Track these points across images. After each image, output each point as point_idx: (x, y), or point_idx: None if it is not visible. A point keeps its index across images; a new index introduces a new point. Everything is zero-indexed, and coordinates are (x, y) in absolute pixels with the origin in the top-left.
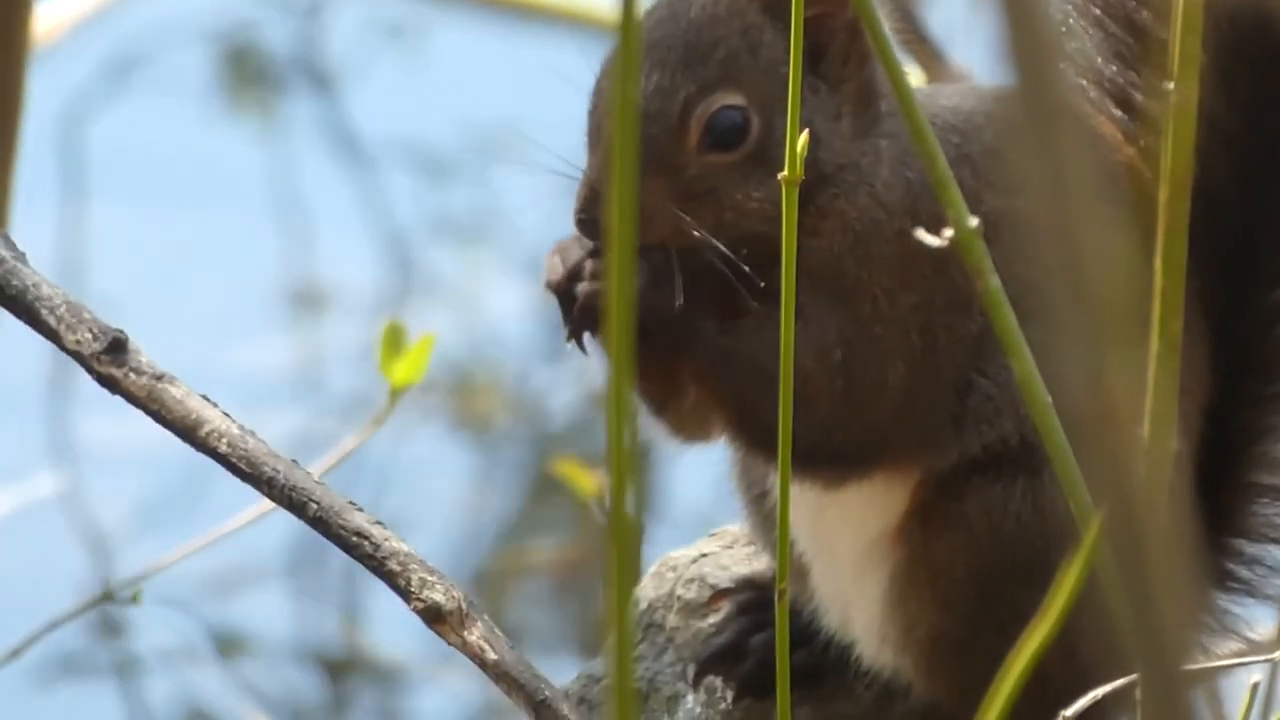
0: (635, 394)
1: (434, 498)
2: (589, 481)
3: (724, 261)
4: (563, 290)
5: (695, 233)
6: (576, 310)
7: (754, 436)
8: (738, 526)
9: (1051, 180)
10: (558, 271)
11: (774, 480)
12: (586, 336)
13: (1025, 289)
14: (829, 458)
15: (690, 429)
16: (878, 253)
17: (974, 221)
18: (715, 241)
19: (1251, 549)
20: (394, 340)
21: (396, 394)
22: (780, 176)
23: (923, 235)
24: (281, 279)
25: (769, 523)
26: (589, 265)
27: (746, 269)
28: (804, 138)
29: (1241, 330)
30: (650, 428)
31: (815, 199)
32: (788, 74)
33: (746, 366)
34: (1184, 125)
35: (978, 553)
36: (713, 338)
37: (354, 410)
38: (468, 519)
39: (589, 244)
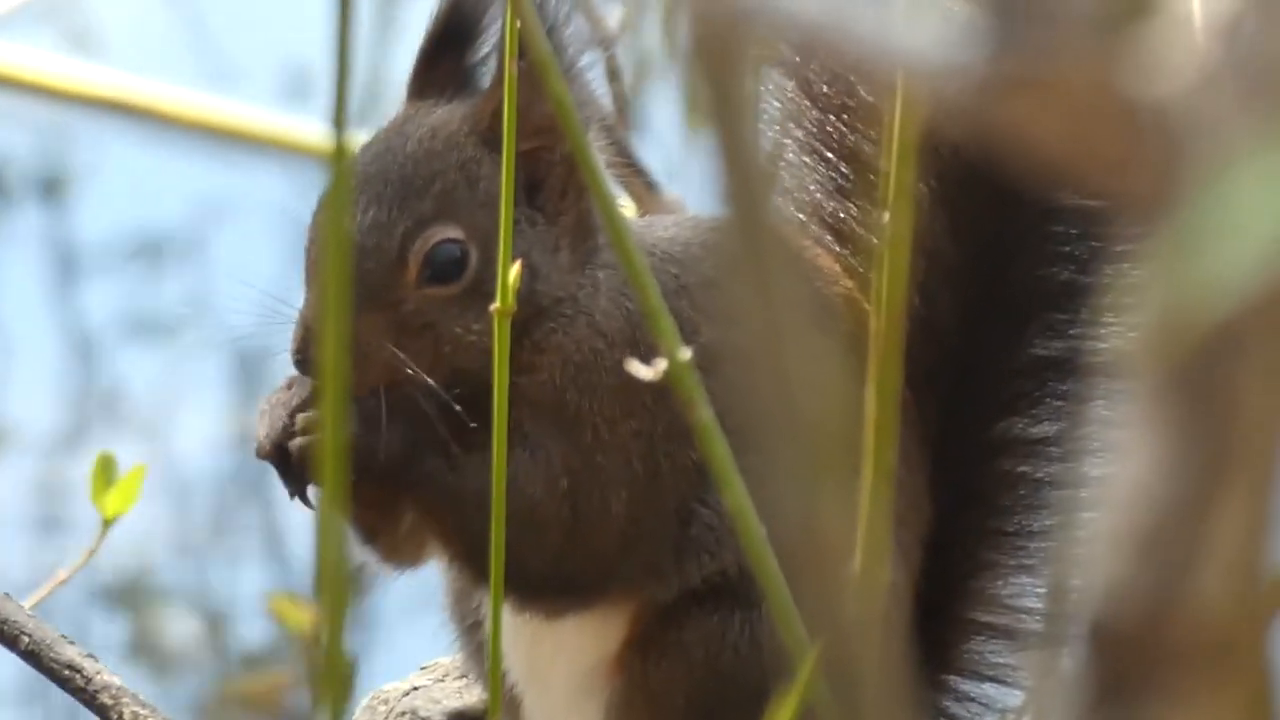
0: (349, 522)
1: None
2: (300, 615)
3: (435, 398)
4: (275, 455)
5: (409, 370)
6: (293, 467)
7: (481, 568)
8: (450, 658)
9: (765, 310)
10: (267, 436)
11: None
12: (311, 490)
13: (743, 420)
14: (555, 587)
15: (404, 555)
16: (598, 382)
17: (687, 353)
18: (426, 379)
19: (967, 686)
20: (105, 471)
21: (109, 524)
22: (492, 309)
23: (635, 367)
24: None
25: (482, 653)
26: (300, 420)
27: (458, 406)
28: (516, 268)
29: (962, 462)
30: (362, 553)
31: (532, 332)
32: None
33: (473, 502)
34: (898, 254)
35: (696, 683)
36: (441, 476)
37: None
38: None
39: (298, 398)
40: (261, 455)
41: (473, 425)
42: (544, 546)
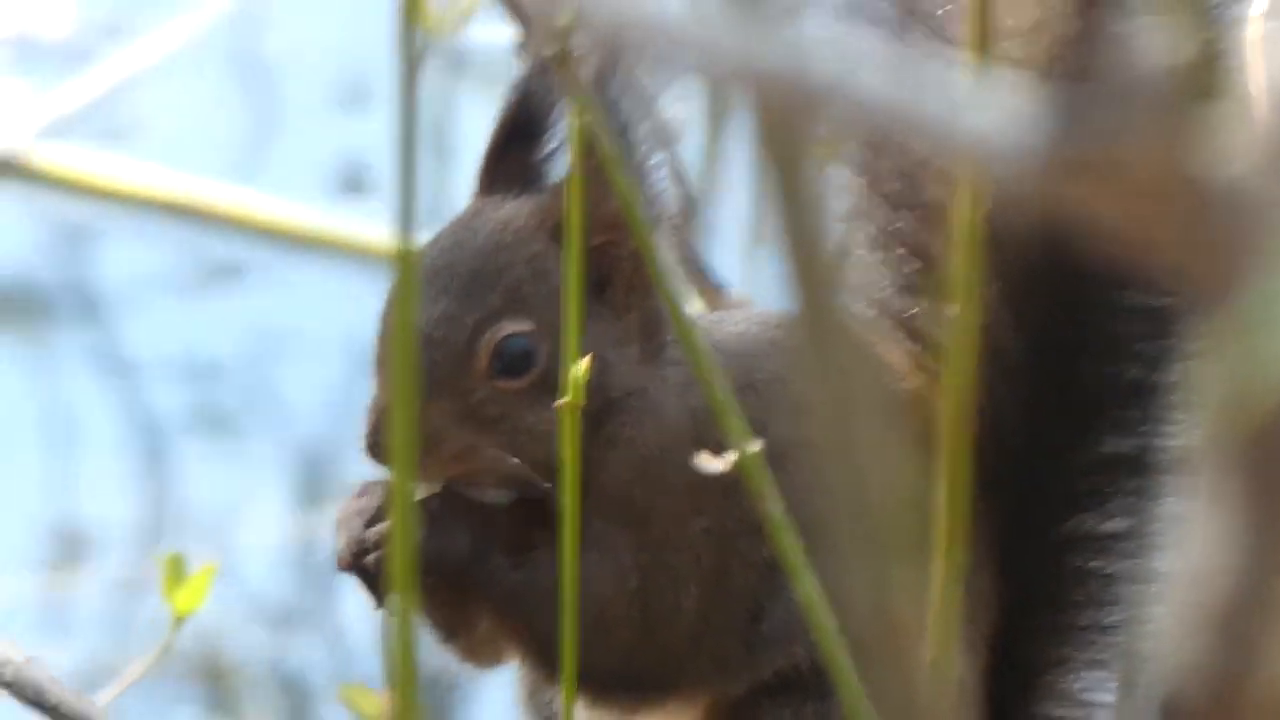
0: (428, 622)
1: None
2: (374, 704)
3: (522, 480)
4: (354, 568)
5: (488, 452)
6: (374, 579)
7: (554, 665)
8: None
9: (834, 404)
10: (346, 548)
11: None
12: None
13: (813, 515)
14: (626, 685)
15: (483, 654)
16: (667, 478)
17: (756, 445)
18: (511, 459)
19: None
20: (175, 570)
21: (180, 621)
22: (558, 404)
23: (705, 460)
24: (44, 516)
25: None
26: (372, 535)
27: (528, 499)
28: (585, 362)
29: (1029, 559)
30: (441, 653)
31: (603, 426)
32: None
33: (542, 600)
34: (964, 353)
35: None
36: (505, 575)
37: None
38: None
39: (373, 507)
40: (342, 568)
41: (540, 522)
42: (614, 645)
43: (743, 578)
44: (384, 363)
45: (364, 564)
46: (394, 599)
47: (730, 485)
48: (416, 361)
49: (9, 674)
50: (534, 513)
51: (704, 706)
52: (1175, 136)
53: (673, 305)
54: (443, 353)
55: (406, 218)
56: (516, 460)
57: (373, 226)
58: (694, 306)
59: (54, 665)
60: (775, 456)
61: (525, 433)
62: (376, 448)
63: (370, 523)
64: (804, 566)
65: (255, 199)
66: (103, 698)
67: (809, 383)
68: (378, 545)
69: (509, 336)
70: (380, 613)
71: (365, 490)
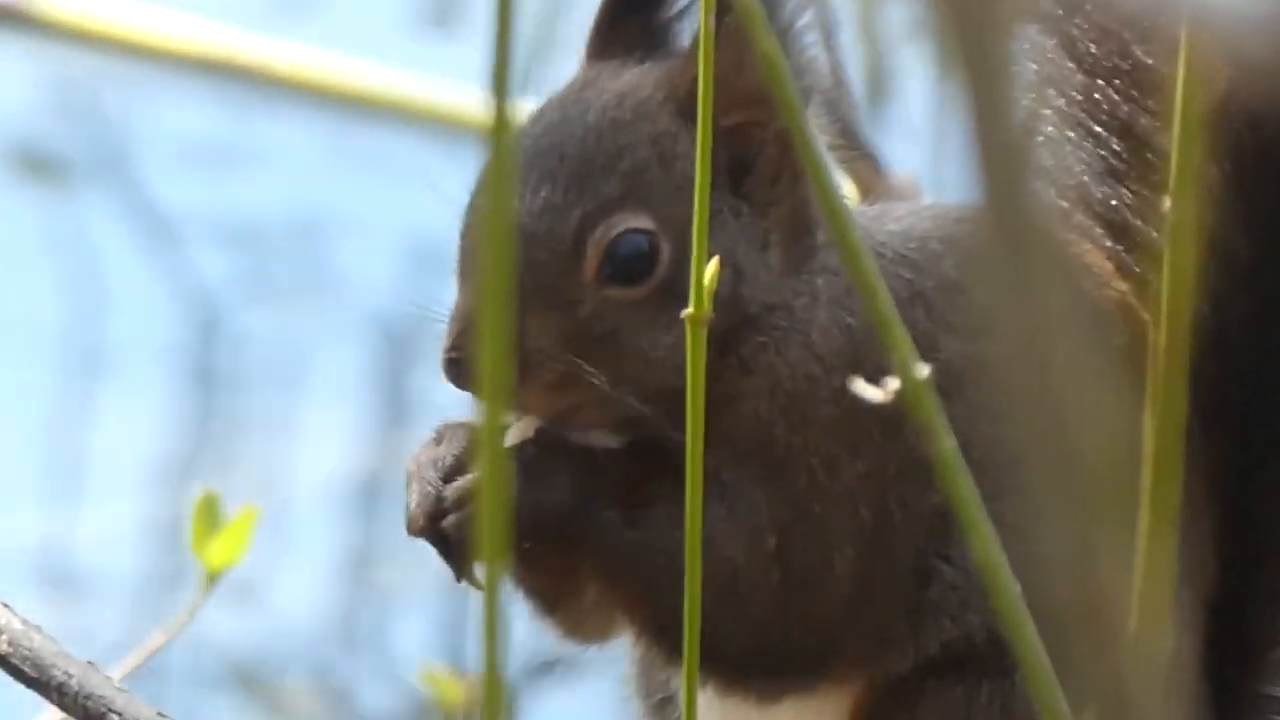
0: (521, 592)
1: None
2: (456, 690)
3: (637, 417)
4: (429, 533)
5: (594, 381)
6: (453, 546)
7: (674, 643)
8: None
9: (1027, 320)
10: (419, 507)
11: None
12: (477, 568)
13: (993, 453)
14: (766, 667)
15: (590, 629)
16: (815, 414)
17: (925, 370)
18: (624, 389)
19: None
20: (208, 514)
21: (214, 578)
22: (685, 315)
23: (862, 388)
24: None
25: None
26: (452, 492)
27: (665, 425)
28: (715, 266)
29: (1257, 508)
30: (542, 627)
31: (738, 348)
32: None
33: (662, 563)
34: (1183, 253)
35: None
36: (617, 532)
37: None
38: None
39: (451, 456)
40: (415, 532)
41: (659, 469)
42: (750, 619)
43: (907, 532)
44: (468, 263)
45: (441, 528)
46: (480, 569)
47: (893, 420)
48: (510, 263)
49: (3, 645)
50: (651, 458)
51: (859, 690)
52: None
53: (827, 198)
54: (544, 252)
55: (502, 75)
56: (630, 391)
57: (456, 88)
58: (852, 199)
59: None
60: (949, 384)
61: (642, 355)
62: (457, 367)
63: (449, 476)
64: (982, 519)
65: (299, 51)
66: (119, 671)
67: (993, 292)
68: (459, 504)
69: (625, 234)
70: (461, 586)
71: (443, 435)
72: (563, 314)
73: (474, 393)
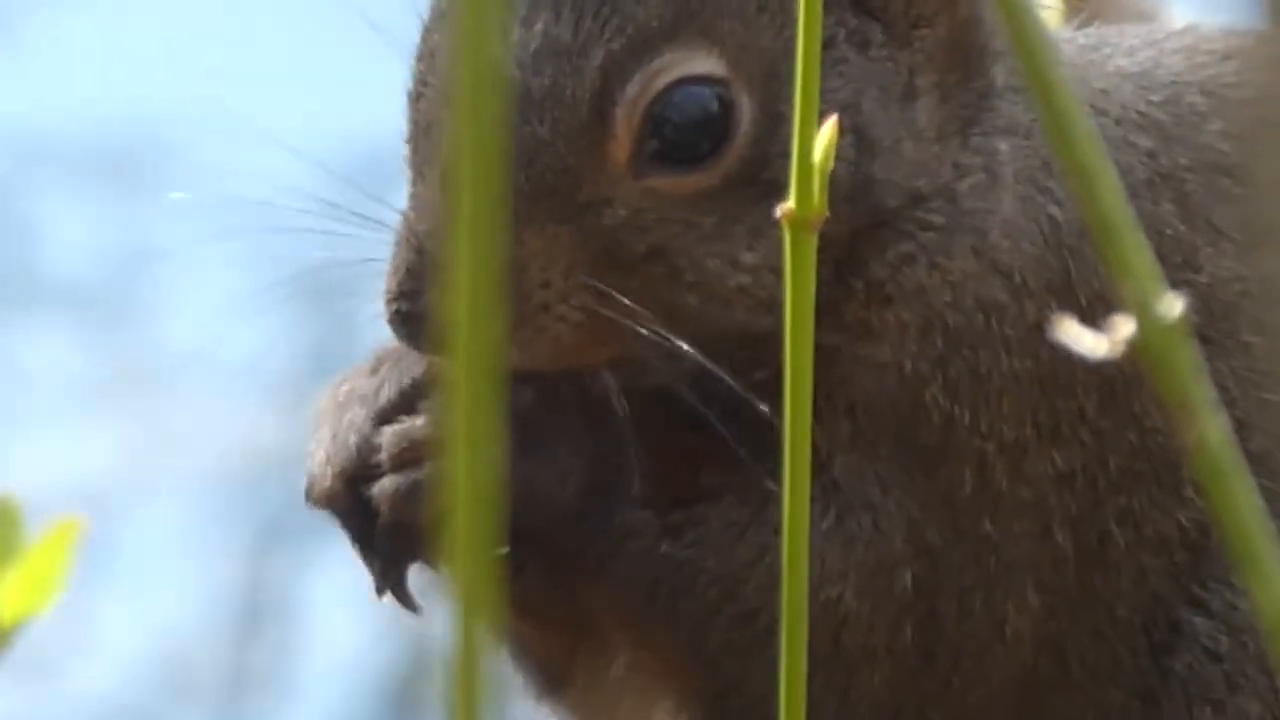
0: (515, 659)
1: None
2: None
3: (691, 373)
4: (346, 504)
5: (630, 324)
6: (382, 531)
7: None
8: None
9: None
10: (328, 465)
11: None
12: (411, 573)
13: None
14: None
15: (617, 710)
16: (992, 372)
17: (1177, 305)
18: (672, 343)
19: None
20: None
21: (6, 634)
22: (781, 211)
23: (1070, 331)
24: None
25: None
26: (392, 437)
27: (742, 387)
28: (830, 130)
29: None
30: (547, 710)
31: (869, 265)
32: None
33: (715, 598)
34: None
35: None
36: (652, 544)
37: None
38: None
39: (393, 392)
40: (318, 500)
41: (719, 448)
42: (863, 694)
43: (1135, 570)
44: (424, 149)
45: (366, 496)
46: (428, 579)
47: (1122, 386)
48: (495, 145)
49: None
50: (707, 434)
51: None
52: None
53: (1012, 14)
54: (547, 124)
55: None
56: (685, 336)
57: None
58: (1054, 16)
59: None
60: (1217, 326)
61: (705, 282)
62: (412, 320)
63: (385, 418)
64: (1267, 545)
65: None
66: None
67: None
68: (399, 462)
69: (678, 84)
70: (386, 601)
71: (381, 362)
72: (580, 223)
73: (438, 355)
